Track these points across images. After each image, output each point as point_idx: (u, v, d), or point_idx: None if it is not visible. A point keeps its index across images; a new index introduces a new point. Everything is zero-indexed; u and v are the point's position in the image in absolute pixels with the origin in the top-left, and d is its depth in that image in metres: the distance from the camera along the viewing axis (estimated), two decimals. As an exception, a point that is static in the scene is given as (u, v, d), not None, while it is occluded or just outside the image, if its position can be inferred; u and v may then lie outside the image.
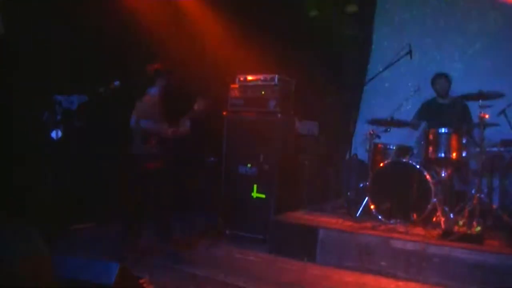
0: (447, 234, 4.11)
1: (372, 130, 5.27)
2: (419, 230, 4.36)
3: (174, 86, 4.58)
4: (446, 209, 4.63)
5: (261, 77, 5.33)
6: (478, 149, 4.63)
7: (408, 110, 6.14)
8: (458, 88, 5.49)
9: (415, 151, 5.37)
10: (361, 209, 4.94)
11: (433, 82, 5.52)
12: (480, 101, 4.44)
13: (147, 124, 4.20)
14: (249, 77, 5.40)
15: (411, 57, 5.12)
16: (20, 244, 0.94)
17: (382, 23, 7.22)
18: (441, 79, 5.46)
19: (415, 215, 4.53)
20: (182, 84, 5.03)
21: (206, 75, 6.21)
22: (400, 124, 5.27)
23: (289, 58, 6.36)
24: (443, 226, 4.32)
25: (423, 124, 5.49)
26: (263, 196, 5.12)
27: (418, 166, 4.68)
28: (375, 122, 5.27)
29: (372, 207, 4.81)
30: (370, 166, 5.31)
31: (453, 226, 4.21)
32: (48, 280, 0.99)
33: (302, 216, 5.07)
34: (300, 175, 5.73)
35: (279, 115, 5.16)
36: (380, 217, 4.71)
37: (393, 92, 6.74)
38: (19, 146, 4.58)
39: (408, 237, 4.17)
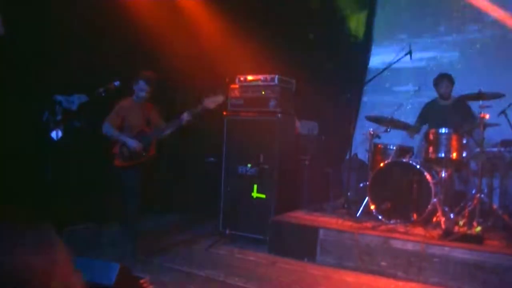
0: (447, 234, 4.10)
1: (372, 130, 5.26)
2: (419, 230, 4.36)
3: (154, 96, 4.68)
4: (446, 209, 4.63)
5: (261, 77, 5.33)
6: (478, 149, 4.63)
7: (408, 110, 6.15)
8: (458, 88, 5.48)
9: (415, 151, 5.38)
10: (361, 209, 4.94)
11: (436, 82, 5.47)
12: (480, 101, 4.44)
13: (108, 131, 4.47)
14: (249, 77, 5.40)
15: (411, 57, 5.12)
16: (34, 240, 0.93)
17: (382, 23, 7.22)
18: (444, 80, 5.42)
19: (415, 215, 4.53)
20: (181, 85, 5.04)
21: (206, 75, 6.21)
22: (399, 126, 5.26)
23: (289, 58, 6.36)
24: (443, 226, 4.32)
25: (424, 129, 5.46)
26: (263, 196, 5.12)
27: (418, 166, 4.68)
28: (373, 119, 5.25)
29: (372, 207, 4.81)
30: (370, 166, 5.31)
31: (453, 226, 4.21)
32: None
33: (302, 216, 5.06)
34: (301, 175, 5.72)
35: (279, 115, 5.15)
36: (380, 217, 4.70)
37: (393, 92, 6.74)
38: (19, 146, 4.58)
39: (408, 237, 4.17)
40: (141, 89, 4.49)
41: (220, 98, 4.44)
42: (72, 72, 4.85)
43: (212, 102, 4.40)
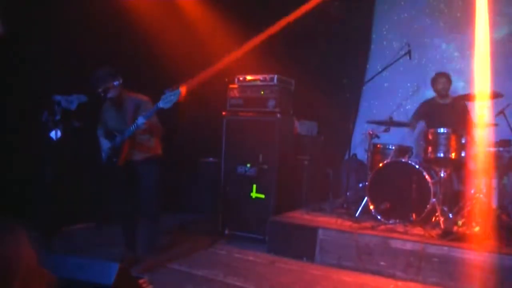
0: (446, 234, 4.11)
1: (371, 130, 5.27)
2: (418, 230, 4.36)
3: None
4: (445, 209, 4.64)
5: (260, 77, 5.33)
6: (477, 149, 4.63)
7: (407, 110, 6.16)
8: (458, 88, 5.49)
9: (414, 151, 5.38)
10: (360, 209, 4.94)
11: (434, 81, 5.49)
12: (480, 101, 4.45)
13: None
14: (248, 77, 5.41)
15: (410, 57, 5.13)
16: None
17: (381, 23, 7.22)
18: (442, 78, 5.44)
19: (414, 215, 4.53)
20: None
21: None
22: (399, 124, 5.27)
23: (289, 58, 6.36)
24: (442, 226, 4.33)
25: (421, 125, 5.47)
26: (262, 196, 5.13)
27: (417, 166, 4.69)
28: (374, 123, 5.27)
29: (371, 207, 4.81)
30: (369, 166, 5.32)
31: (452, 226, 4.22)
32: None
33: (301, 216, 5.07)
34: (300, 175, 5.73)
35: (278, 115, 5.16)
36: (379, 217, 4.71)
37: (392, 92, 6.75)
38: (18, 146, 4.58)
39: (407, 237, 4.17)
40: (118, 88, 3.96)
41: (176, 96, 3.51)
42: (72, 72, 4.85)
43: (168, 101, 3.56)
